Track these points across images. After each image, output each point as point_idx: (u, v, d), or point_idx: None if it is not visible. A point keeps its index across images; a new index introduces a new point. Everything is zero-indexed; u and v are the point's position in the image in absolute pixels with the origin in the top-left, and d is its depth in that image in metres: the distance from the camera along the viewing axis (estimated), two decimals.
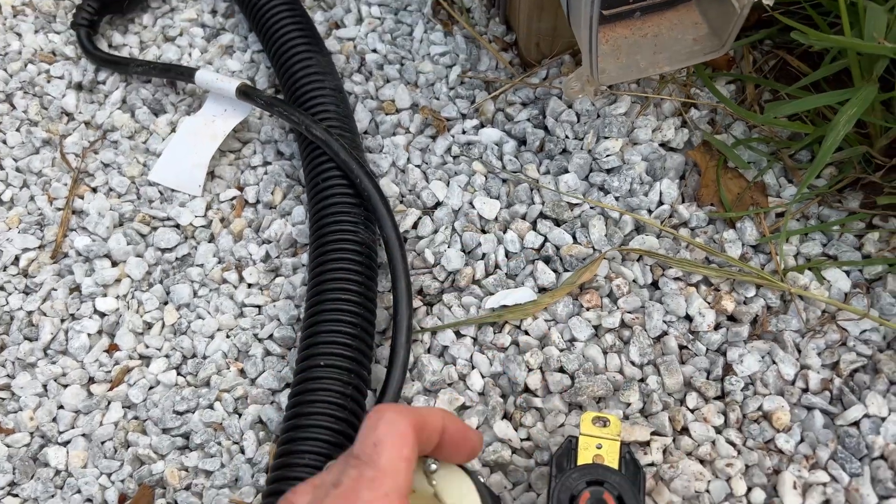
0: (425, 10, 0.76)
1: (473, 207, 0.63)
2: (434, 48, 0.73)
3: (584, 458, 0.47)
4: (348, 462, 0.35)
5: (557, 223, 0.61)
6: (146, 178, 0.68)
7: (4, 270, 0.64)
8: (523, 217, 0.62)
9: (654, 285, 0.58)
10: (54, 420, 0.58)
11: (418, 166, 0.67)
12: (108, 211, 0.66)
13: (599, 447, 0.47)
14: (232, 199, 0.67)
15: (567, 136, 0.64)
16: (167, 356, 0.60)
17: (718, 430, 0.51)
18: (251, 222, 0.66)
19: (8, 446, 0.56)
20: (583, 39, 0.52)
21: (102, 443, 0.56)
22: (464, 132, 0.68)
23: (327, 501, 0.34)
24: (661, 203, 0.61)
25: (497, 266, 0.60)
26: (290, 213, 0.66)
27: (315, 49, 0.69)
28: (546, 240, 0.60)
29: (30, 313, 0.62)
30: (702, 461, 0.50)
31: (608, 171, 0.62)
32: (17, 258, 0.64)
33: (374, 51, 0.75)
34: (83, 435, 0.57)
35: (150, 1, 0.80)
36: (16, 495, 0.55)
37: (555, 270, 0.59)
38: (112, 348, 0.61)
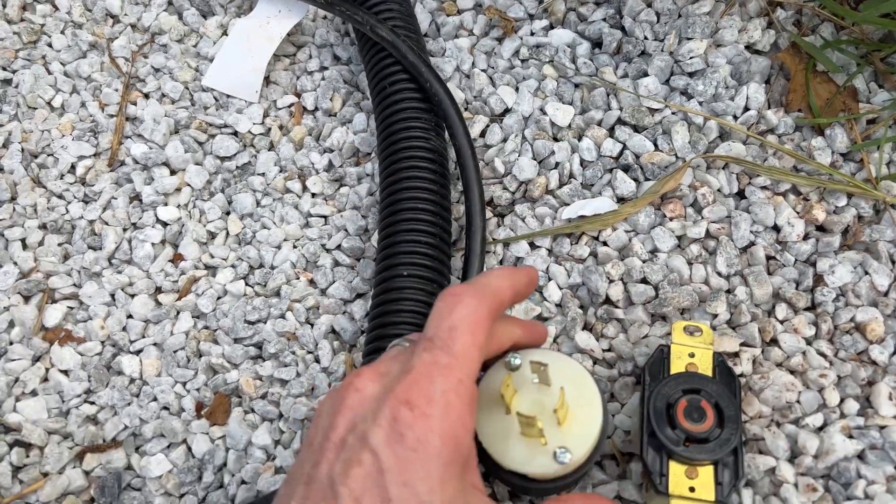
0: None
1: (545, 114, 0.60)
2: None
3: (676, 366, 0.46)
4: (421, 345, 0.34)
5: (637, 130, 0.58)
6: (199, 84, 0.66)
7: (62, 178, 0.62)
8: (599, 123, 0.59)
9: (741, 194, 0.56)
10: (124, 329, 0.57)
11: (484, 71, 0.64)
12: (163, 118, 0.64)
13: (692, 356, 0.46)
14: (290, 106, 0.65)
15: (646, 38, 0.61)
16: (233, 266, 0.59)
17: (809, 342, 0.50)
18: (311, 130, 0.64)
19: (81, 354, 0.56)
20: None
21: (175, 352, 0.56)
22: (532, 34, 0.64)
23: (399, 388, 0.32)
24: (747, 109, 0.58)
25: (572, 175, 0.58)
26: (350, 120, 0.64)
27: None
28: (625, 147, 0.58)
29: (91, 222, 0.60)
30: (792, 372, 0.49)
31: (691, 75, 0.59)
32: (73, 166, 0.62)
33: None
34: (154, 344, 0.56)
35: None
36: (93, 402, 0.55)
37: (635, 179, 0.57)
38: (177, 258, 0.59)
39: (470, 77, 0.64)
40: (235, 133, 0.64)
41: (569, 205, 0.57)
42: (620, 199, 0.57)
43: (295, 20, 0.65)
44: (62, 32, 0.68)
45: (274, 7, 0.65)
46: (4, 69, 0.65)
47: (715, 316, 0.51)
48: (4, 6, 0.68)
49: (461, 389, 0.33)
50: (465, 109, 0.63)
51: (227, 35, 0.67)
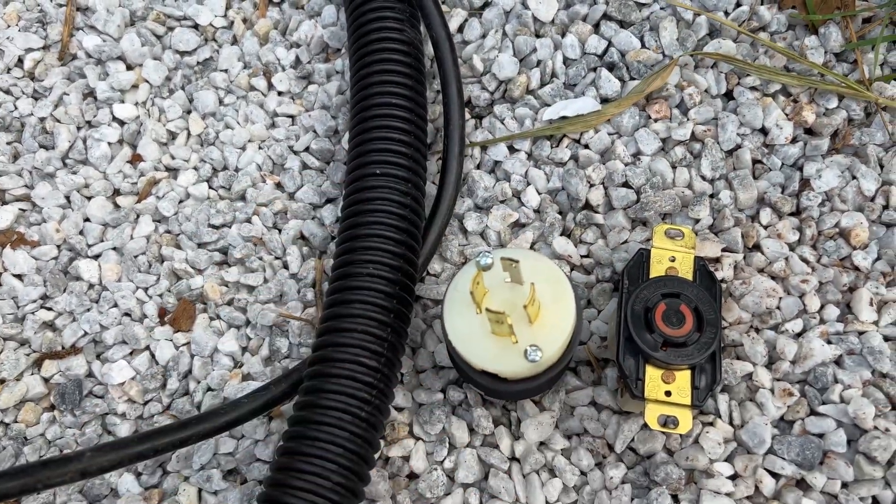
0: None
1: (527, 8, 0.57)
2: None
3: (656, 270, 0.44)
4: None
5: (623, 25, 0.55)
6: None
7: (9, 73, 0.58)
8: (584, 19, 0.56)
9: (728, 95, 0.53)
10: (81, 233, 0.54)
11: None
12: (117, 8, 0.59)
13: (672, 260, 0.45)
14: None
15: None
16: (195, 168, 0.56)
17: (792, 247, 0.49)
18: (277, 23, 0.60)
19: (35, 259, 0.53)
20: None
21: (135, 257, 0.53)
22: None
23: None
24: (739, 4, 0.54)
25: (554, 74, 0.55)
26: (319, 13, 0.59)
27: None
28: (610, 44, 0.55)
29: (42, 119, 0.57)
30: (774, 277, 0.48)
31: None
32: (20, 59, 0.58)
33: None
34: (114, 248, 0.54)
35: None
36: (49, 308, 0.52)
37: (620, 79, 0.54)
38: (135, 159, 0.56)
39: None
40: (196, 26, 0.59)
41: (550, 105, 0.54)
42: (604, 100, 0.54)
43: None
44: None
45: None
46: None
47: (697, 221, 0.49)
48: None
49: None
50: (443, 2, 0.59)
51: None
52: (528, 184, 0.53)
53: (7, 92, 0.57)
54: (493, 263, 0.39)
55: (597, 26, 0.56)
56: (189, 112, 0.58)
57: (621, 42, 0.54)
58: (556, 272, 0.40)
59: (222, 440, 0.48)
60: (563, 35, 0.55)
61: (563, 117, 0.53)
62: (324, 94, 0.57)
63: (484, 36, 0.57)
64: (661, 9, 0.55)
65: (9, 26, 0.59)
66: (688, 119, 0.52)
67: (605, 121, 0.53)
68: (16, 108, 0.57)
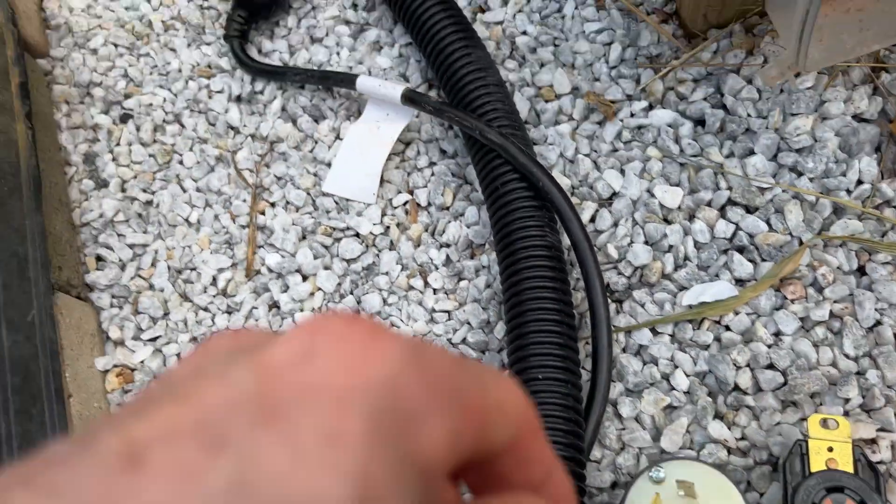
0: None
1: (654, 196, 0.62)
2: (588, 25, 0.71)
3: (816, 462, 0.47)
4: None
5: (749, 210, 0.60)
6: (320, 189, 0.70)
7: (205, 292, 0.67)
8: (709, 204, 0.61)
9: (861, 271, 0.56)
10: None
11: (587, 156, 0.66)
12: (291, 226, 0.69)
13: (830, 450, 0.47)
14: (405, 204, 0.69)
15: (749, 115, 0.62)
16: None
17: None
18: (427, 226, 0.68)
19: None
20: (790, 23, 0.49)
21: None
22: (632, 115, 0.66)
23: None
24: (860, 182, 0.58)
25: (687, 258, 0.60)
26: (462, 213, 0.67)
27: (471, 42, 0.68)
28: (738, 228, 0.59)
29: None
30: None
31: (799, 151, 0.60)
32: (214, 279, 0.68)
33: (525, 33, 0.73)
34: None
35: (292, 1, 0.80)
36: None
37: (751, 261, 0.58)
38: None
39: (574, 162, 0.66)
40: (358, 234, 0.68)
41: (687, 289, 0.58)
42: (739, 281, 0.58)
43: (403, 123, 0.68)
44: (190, 149, 0.74)
45: (381, 111, 0.69)
46: (145, 191, 0.72)
47: (847, 400, 0.52)
48: (139, 130, 0.75)
49: None
50: (572, 195, 0.65)
51: (340, 139, 0.72)
52: (676, 367, 0.57)
53: (205, 309, 0.67)
54: (665, 478, 0.43)
55: (723, 211, 0.60)
56: (358, 313, 0.65)
57: (749, 226, 0.59)
58: (728, 487, 0.44)
59: None
60: (691, 220, 0.60)
61: (703, 302, 0.57)
62: (474, 288, 0.64)
63: (615, 224, 0.63)
64: (784, 192, 0.59)
65: (202, 250, 0.69)
66: (823, 298, 0.55)
67: (743, 303, 0.57)
68: (213, 322, 0.66)
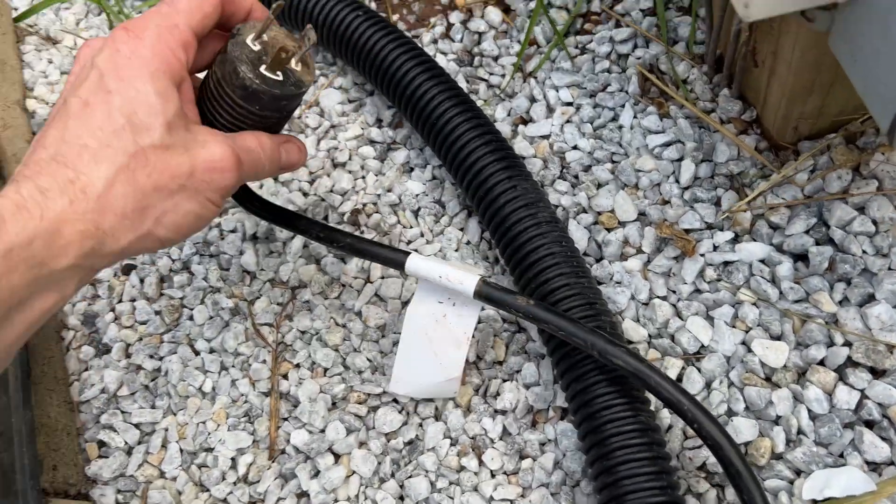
0: (630, 89, 0.63)
1: (752, 352, 0.51)
2: (652, 138, 0.61)
3: None
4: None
5: (875, 373, 0.48)
6: (350, 345, 0.61)
7: (224, 479, 0.58)
8: (822, 363, 0.50)
9: None
10: None
11: (665, 298, 0.56)
12: (318, 394, 0.59)
13: None
14: None
15: (866, 252, 0.51)
16: None
17: None
18: (478, 388, 0.57)
19: None
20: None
21: None
22: (716, 248, 0.56)
23: (117, 34, 0.40)
24: None
25: (801, 432, 0.49)
26: (519, 370, 0.57)
27: (514, 172, 0.58)
28: (864, 396, 0.48)
29: None
30: None
31: None
32: (233, 462, 0.58)
33: (576, 148, 0.63)
34: None
35: (306, 120, 0.72)
36: None
37: (886, 439, 0.47)
38: None
39: (649, 307, 0.56)
40: (396, 401, 0.58)
41: (806, 473, 0.47)
42: (873, 466, 0.47)
43: (476, 313, 0.53)
44: (202, 302, 0.65)
45: (440, 292, 0.53)
46: (152, 357, 0.63)
47: None
48: (143, 282, 0.66)
49: (175, 31, 0.40)
50: (650, 347, 0.55)
51: (371, 282, 0.62)
52: None
53: (224, 501, 0.57)
54: None
55: (841, 373, 0.49)
56: (402, 498, 0.55)
57: (878, 394, 0.47)
58: None
59: None
60: (802, 384, 0.49)
61: (830, 498, 0.46)
62: (540, 470, 0.53)
63: (708, 387, 0.52)
64: None
65: (218, 426, 0.60)
66: None
67: (884, 498, 0.45)
68: None
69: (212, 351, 0.63)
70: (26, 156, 0.39)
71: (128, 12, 0.81)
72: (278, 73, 0.44)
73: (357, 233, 0.65)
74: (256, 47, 0.44)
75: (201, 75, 0.48)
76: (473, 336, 0.54)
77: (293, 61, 0.45)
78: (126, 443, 0.60)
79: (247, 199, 0.57)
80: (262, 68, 0.44)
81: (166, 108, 0.39)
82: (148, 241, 0.40)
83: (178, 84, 0.41)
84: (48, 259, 0.36)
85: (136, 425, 0.60)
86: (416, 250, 0.59)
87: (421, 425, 0.57)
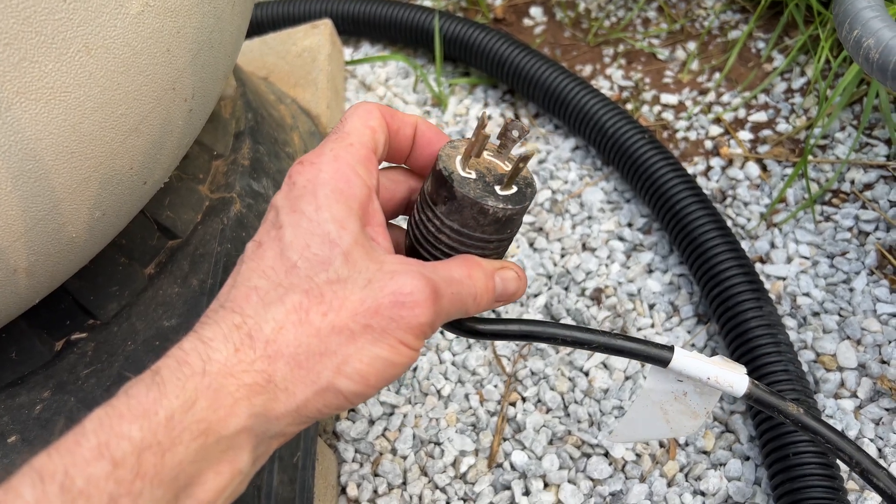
0: (867, 261, 0.73)
1: None
2: (881, 306, 0.70)
3: None
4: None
5: None
6: (574, 396, 0.70)
7: (445, 472, 0.66)
8: None
9: None
10: None
11: (872, 441, 0.63)
12: (542, 427, 0.68)
13: None
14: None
15: None
16: None
17: None
18: (683, 467, 0.65)
19: None
20: None
21: None
22: None
23: (292, 170, 0.36)
24: None
25: None
26: (724, 464, 0.64)
27: (761, 296, 0.67)
28: None
29: None
30: None
31: None
32: (455, 460, 0.67)
33: (808, 295, 0.73)
34: None
35: (567, 206, 0.84)
36: None
37: None
38: None
39: (857, 442, 0.62)
40: (607, 454, 0.66)
41: None
42: None
43: (717, 394, 0.51)
44: None
45: (671, 377, 0.61)
46: None
47: None
48: None
49: (351, 149, 0.36)
50: (848, 479, 0.61)
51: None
52: None
53: (442, 490, 0.66)
54: None
55: None
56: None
57: None
58: None
59: None
60: None
61: None
62: None
63: None
64: None
65: (448, 426, 0.69)
66: None
67: None
68: None
69: (454, 364, 0.73)
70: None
71: (432, 83, 0.99)
72: (513, 186, 0.38)
73: (600, 323, 0.75)
74: (473, 174, 0.37)
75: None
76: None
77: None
78: (371, 415, 0.70)
79: (468, 330, 0.41)
80: (499, 189, 0.37)
81: (343, 235, 0.33)
82: (329, 397, 0.33)
83: (361, 206, 0.35)
84: (215, 423, 0.30)
85: (382, 403, 0.71)
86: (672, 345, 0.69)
87: (626, 482, 0.65)
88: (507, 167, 0.38)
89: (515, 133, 0.37)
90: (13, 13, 0.35)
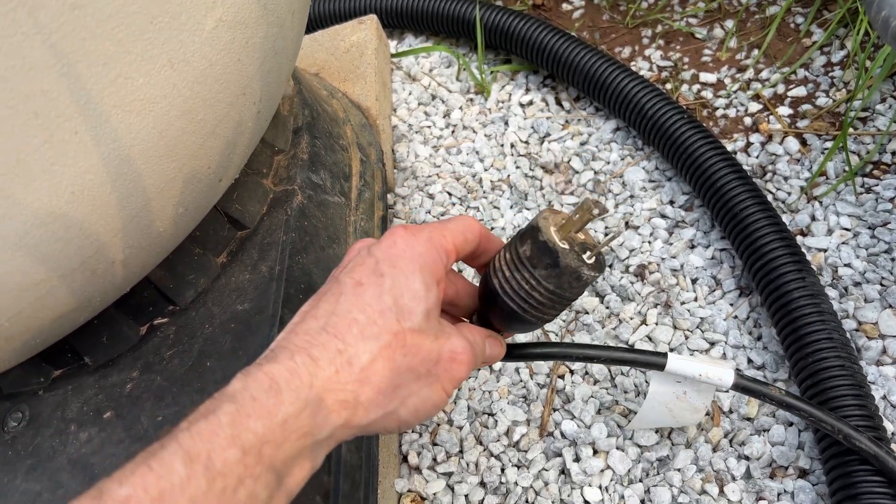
0: None
1: None
2: None
3: None
4: None
5: None
6: (619, 369, 0.73)
7: (499, 441, 0.71)
8: None
9: None
10: None
11: None
12: (590, 398, 0.71)
13: None
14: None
15: None
16: None
17: None
18: (727, 433, 0.68)
19: None
20: None
21: None
22: None
23: (396, 230, 0.44)
24: None
25: None
26: (767, 430, 0.67)
27: (804, 267, 0.70)
28: None
29: (525, 489, 0.68)
30: None
31: None
32: (508, 430, 0.71)
33: (849, 265, 0.74)
34: None
35: (610, 186, 0.87)
36: None
37: None
38: None
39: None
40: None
41: None
42: None
43: (712, 391, 0.60)
44: None
45: (671, 380, 0.60)
46: None
47: None
48: None
49: (443, 240, 0.44)
50: (892, 441, 0.63)
51: (645, 324, 0.75)
52: None
53: (497, 457, 0.70)
54: None
55: None
56: (643, 502, 0.66)
57: None
58: None
59: None
60: None
61: None
62: None
63: None
64: None
65: (500, 398, 0.73)
66: None
67: None
68: (502, 472, 0.69)
69: None
70: (292, 323, 0.42)
71: (475, 71, 1.02)
72: (591, 255, 0.45)
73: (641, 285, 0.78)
74: (566, 245, 0.44)
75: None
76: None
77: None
78: None
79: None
80: (587, 257, 0.44)
81: (428, 297, 0.42)
82: (389, 421, 0.42)
83: (438, 282, 0.43)
84: (313, 429, 0.38)
85: None
86: (670, 350, 0.72)
87: (673, 448, 0.68)
88: (581, 237, 0.46)
89: (596, 212, 0.43)
90: (109, 36, 0.40)
